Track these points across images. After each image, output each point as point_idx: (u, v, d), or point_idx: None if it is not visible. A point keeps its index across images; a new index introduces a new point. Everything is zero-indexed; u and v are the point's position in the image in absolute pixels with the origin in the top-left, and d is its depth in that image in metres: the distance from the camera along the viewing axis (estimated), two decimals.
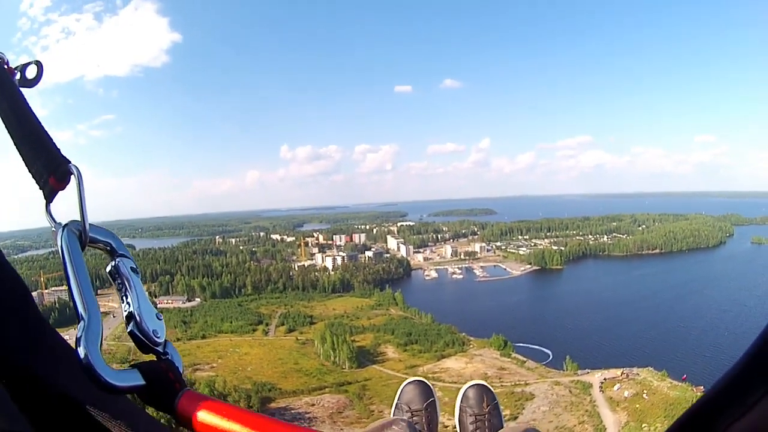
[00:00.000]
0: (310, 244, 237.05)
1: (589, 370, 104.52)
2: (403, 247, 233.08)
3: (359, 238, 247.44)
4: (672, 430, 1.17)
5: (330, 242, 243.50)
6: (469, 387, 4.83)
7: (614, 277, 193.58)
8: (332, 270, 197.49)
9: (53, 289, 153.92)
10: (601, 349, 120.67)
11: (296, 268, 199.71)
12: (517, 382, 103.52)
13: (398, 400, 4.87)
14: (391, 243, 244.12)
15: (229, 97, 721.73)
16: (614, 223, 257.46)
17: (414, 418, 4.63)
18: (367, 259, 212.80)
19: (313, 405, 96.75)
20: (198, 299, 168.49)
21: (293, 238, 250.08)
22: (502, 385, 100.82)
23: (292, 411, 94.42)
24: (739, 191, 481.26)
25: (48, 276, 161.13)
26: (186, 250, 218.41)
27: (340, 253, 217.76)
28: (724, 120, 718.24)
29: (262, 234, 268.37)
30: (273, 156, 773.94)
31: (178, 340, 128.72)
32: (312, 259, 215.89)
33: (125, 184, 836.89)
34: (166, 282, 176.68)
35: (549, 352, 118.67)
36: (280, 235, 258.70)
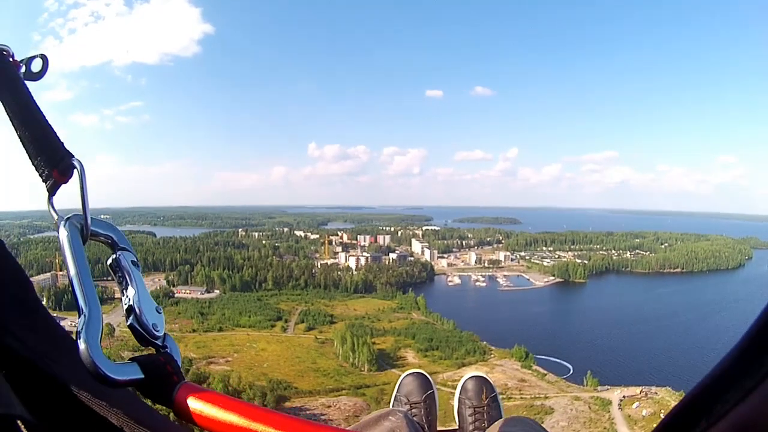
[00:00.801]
0: (334, 243, 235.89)
1: (608, 387, 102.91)
2: (427, 252, 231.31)
3: (383, 240, 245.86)
4: (671, 415, 1.21)
5: (354, 242, 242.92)
6: (468, 379, 4.88)
7: (636, 294, 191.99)
8: (355, 270, 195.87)
9: None
10: (621, 365, 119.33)
11: (319, 266, 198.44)
12: (537, 395, 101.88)
13: (397, 392, 4.87)
14: (416, 246, 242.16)
15: (258, 91, 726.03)
16: (637, 240, 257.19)
17: (413, 410, 4.62)
18: (390, 261, 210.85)
19: (329, 407, 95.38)
20: (217, 291, 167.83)
21: (317, 236, 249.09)
22: (522, 398, 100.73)
23: (308, 412, 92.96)
24: (756, 215, 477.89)
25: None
26: (208, 240, 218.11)
27: (364, 254, 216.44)
28: (744, 141, 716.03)
29: (285, 230, 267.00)
30: (300, 153, 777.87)
31: (194, 331, 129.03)
32: (335, 258, 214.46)
33: (149, 171, 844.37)
34: (186, 272, 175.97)
35: (570, 366, 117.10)
36: (303, 232, 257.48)
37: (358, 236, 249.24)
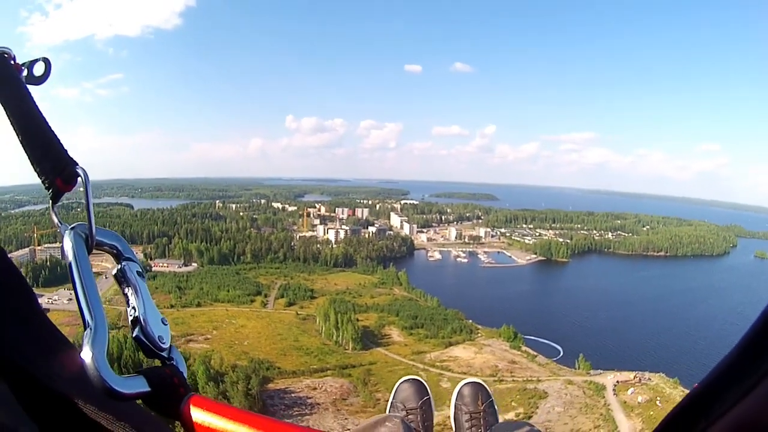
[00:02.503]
0: (312, 215, 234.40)
1: (601, 371, 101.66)
2: (406, 226, 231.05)
3: (362, 213, 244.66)
4: (671, 415, 1.20)
5: (332, 215, 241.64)
6: (464, 385, 4.89)
7: (621, 276, 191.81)
8: (335, 243, 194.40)
9: (46, 246, 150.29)
10: (610, 348, 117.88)
11: (298, 239, 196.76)
12: (529, 378, 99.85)
13: (393, 398, 4.91)
14: (395, 220, 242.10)
15: (237, 64, 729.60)
16: (618, 221, 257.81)
17: (409, 416, 4.68)
18: (370, 234, 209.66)
19: (314, 389, 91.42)
20: (195, 264, 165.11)
21: (295, 208, 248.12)
22: (513, 380, 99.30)
23: (293, 395, 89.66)
24: (737, 203, 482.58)
25: (42, 232, 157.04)
26: (185, 212, 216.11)
27: (343, 227, 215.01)
28: (729, 131, 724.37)
29: (262, 201, 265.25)
30: (278, 125, 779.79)
31: (172, 306, 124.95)
32: (314, 231, 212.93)
33: (128, 143, 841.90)
34: (163, 244, 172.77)
35: (560, 348, 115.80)
36: (281, 204, 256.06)
37: (336, 209, 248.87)
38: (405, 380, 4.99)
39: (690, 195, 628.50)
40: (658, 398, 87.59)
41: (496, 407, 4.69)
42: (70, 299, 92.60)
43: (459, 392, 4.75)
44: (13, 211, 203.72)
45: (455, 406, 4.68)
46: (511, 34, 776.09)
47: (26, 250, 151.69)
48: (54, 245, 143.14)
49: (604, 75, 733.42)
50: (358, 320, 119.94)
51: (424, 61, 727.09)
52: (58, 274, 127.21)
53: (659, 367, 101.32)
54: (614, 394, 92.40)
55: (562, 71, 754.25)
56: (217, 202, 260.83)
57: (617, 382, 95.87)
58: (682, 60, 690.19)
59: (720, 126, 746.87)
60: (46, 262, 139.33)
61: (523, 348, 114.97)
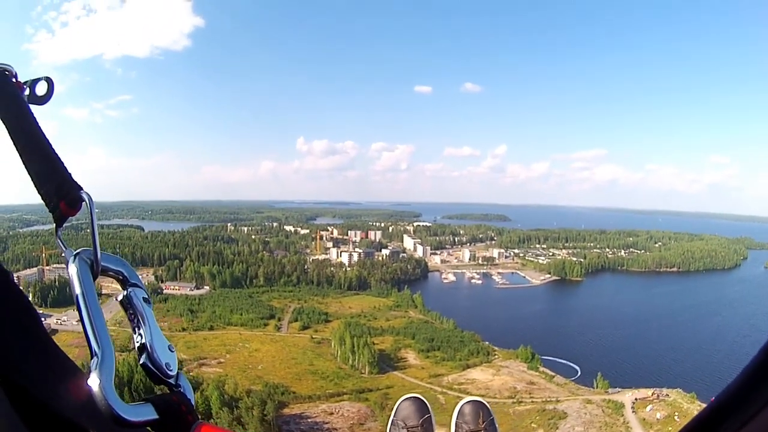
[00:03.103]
0: (324, 238, 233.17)
1: (619, 389, 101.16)
2: (420, 248, 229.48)
3: (374, 236, 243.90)
4: None
5: (345, 237, 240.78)
6: (465, 403, 4.92)
7: (635, 293, 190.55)
8: (348, 266, 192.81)
9: (54, 266, 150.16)
10: (627, 366, 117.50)
11: (311, 262, 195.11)
12: (548, 399, 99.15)
13: (394, 416, 4.95)
14: (408, 242, 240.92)
15: (247, 86, 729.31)
16: (630, 239, 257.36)
17: None
18: (384, 257, 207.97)
19: (331, 414, 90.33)
20: (207, 287, 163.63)
21: (307, 231, 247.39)
22: (533, 401, 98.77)
23: (309, 420, 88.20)
24: (747, 215, 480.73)
25: (51, 252, 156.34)
26: (196, 235, 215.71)
27: (357, 250, 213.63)
28: (738, 141, 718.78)
29: (275, 224, 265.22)
30: (288, 148, 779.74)
31: (184, 329, 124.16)
32: (327, 254, 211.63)
33: (138, 165, 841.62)
34: (174, 267, 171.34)
35: (577, 368, 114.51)
36: (293, 227, 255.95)
37: (349, 231, 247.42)
38: (406, 398, 5.04)
39: (701, 209, 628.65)
40: (676, 414, 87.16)
41: (496, 425, 4.71)
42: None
43: (460, 410, 4.77)
44: (21, 230, 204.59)
45: (456, 424, 4.70)
46: (518, 52, 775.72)
47: (35, 269, 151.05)
48: (63, 265, 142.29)
49: (612, 90, 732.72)
50: (373, 344, 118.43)
51: (434, 81, 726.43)
52: (66, 295, 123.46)
53: (676, 382, 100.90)
54: (633, 411, 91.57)
55: (570, 88, 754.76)
56: (229, 224, 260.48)
57: (635, 399, 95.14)
58: (689, 72, 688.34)
59: (729, 137, 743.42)
60: (55, 282, 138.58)
61: (541, 369, 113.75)
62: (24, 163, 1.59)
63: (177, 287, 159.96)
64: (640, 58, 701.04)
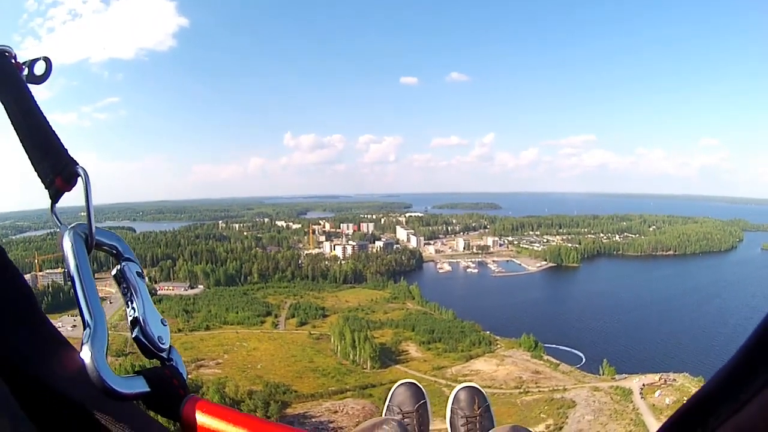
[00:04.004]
0: (317, 232, 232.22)
1: (626, 375, 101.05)
2: (413, 239, 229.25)
3: (367, 228, 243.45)
4: (665, 428, 1.18)
5: (337, 231, 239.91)
6: (460, 389, 4.87)
7: (633, 277, 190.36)
8: (343, 259, 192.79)
9: (48, 271, 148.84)
10: (630, 352, 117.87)
11: (304, 256, 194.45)
12: (555, 387, 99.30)
13: (390, 402, 4.93)
14: (401, 233, 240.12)
15: (233, 83, 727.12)
16: (624, 223, 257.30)
17: (405, 419, 4.66)
18: (378, 249, 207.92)
19: (335, 412, 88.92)
20: (201, 286, 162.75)
21: (299, 225, 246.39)
22: (540, 391, 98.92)
23: (313, 419, 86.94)
24: (740, 197, 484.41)
25: (43, 258, 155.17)
26: (188, 234, 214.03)
27: (350, 242, 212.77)
28: (728, 124, 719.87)
29: (266, 220, 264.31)
30: (276, 143, 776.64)
31: (180, 330, 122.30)
32: (320, 248, 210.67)
33: (128, 167, 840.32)
34: (168, 267, 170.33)
35: (581, 355, 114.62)
36: (285, 222, 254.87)
37: (341, 225, 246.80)
38: (401, 384, 4.97)
39: (692, 192, 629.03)
40: (686, 398, 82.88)
41: (492, 412, 4.66)
42: (75, 326, 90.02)
43: (455, 396, 4.71)
44: (14, 237, 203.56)
45: (451, 410, 4.64)
46: (504, 39, 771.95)
47: (28, 276, 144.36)
48: (56, 271, 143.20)
49: (600, 75, 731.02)
50: (373, 337, 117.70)
51: (420, 72, 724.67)
52: (60, 301, 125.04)
53: (682, 366, 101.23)
54: (641, 397, 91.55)
55: (558, 74, 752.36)
56: (220, 222, 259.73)
57: (643, 385, 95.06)
58: (677, 56, 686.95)
59: (719, 119, 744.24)
60: (48, 287, 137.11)
61: (545, 357, 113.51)
62: (21, 142, 1.62)
63: (171, 287, 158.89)
64: (627, 44, 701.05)
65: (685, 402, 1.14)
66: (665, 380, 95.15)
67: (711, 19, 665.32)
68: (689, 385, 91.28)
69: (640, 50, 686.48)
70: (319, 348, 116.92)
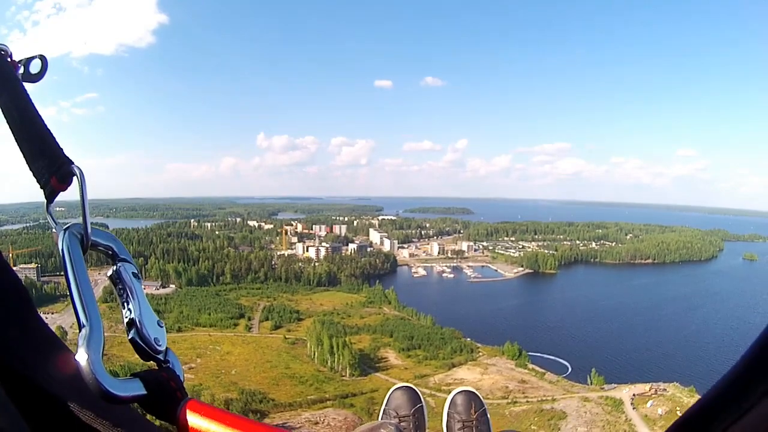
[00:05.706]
0: (289, 233, 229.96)
1: (615, 385, 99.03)
2: (387, 242, 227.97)
3: (340, 230, 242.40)
4: None
5: (310, 232, 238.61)
6: (457, 393, 4.90)
7: (613, 285, 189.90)
8: (316, 261, 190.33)
9: (22, 266, 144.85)
10: (616, 361, 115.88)
11: (277, 257, 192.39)
12: (544, 398, 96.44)
13: (386, 405, 4.97)
14: (374, 236, 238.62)
15: (210, 82, 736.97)
16: (599, 230, 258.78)
17: (402, 423, 4.71)
18: (352, 251, 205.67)
19: (316, 423, 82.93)
20: (173, 285, 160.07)
21: (271, 226, 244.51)
22: (528, 401, 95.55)
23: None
24: (719, 207, 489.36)
25: (18, 252, 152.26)
26: (160, 232, 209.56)
27: (323, 244, 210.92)
28: (706, 135, 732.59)
29: (238, 220, 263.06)
30: (249, 144, 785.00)
31: None
32: (292, 249, 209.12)
33: (103, 163, 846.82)
34: (139, 265, 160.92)
35: (567, 364, 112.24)
36: (257, 222, 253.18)
37: (314, 226, 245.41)
38: (397, 388, 5.00)
39: (667, 201, 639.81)
40: (678, 408, 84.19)
41: (488, 416, 4.66)
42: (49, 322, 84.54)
43: (452, 401, 4.73)
44: None
45: (448, 414, 4.68)
46: (480, 47, 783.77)
47: None
48: (30, 266, 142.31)
49: (576, 84, 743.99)
50: (352, 343, 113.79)
51: (394, 76, 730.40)
52: (34, 296, 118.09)
53: (670, 376, 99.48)
54: (633, 408, 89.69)
55: (533, 82, 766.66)
56: (192, 221, 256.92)
57: (633, 395, 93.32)
58: (654, 67, 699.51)
59: (697, 130, 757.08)
60: (41, 286, 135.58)
61: (530, 366, 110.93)
62: (17, 141, 1.59)
63: (143, 286, 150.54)
64: (604, 54, 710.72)
65: (687, 409, 1.16)
66: (656, 390, 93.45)
67: (689, 31, 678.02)
68: (680, 395, 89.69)
69: (617, 60, 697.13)
70: (295, 353, 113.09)
